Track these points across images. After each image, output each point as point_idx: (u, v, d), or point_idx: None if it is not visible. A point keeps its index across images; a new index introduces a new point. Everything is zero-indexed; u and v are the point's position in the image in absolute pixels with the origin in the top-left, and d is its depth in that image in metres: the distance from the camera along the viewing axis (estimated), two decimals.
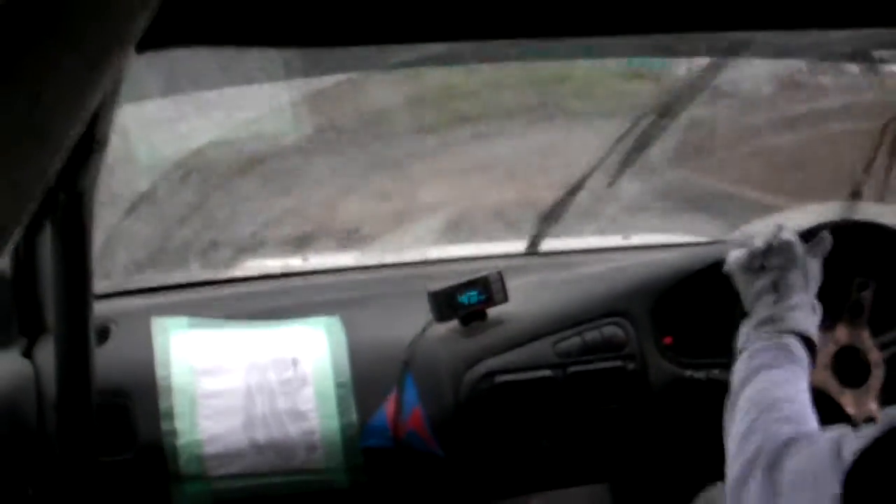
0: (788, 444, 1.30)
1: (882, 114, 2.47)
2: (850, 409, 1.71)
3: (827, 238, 1.72)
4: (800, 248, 1.66)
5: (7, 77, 0.58)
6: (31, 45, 0.57)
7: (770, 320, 1.57)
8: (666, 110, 2.21)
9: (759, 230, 2.03)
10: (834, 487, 1.17)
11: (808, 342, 1.55)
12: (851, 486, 1.14)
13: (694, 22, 1.18)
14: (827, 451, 1.22)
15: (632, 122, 2.26)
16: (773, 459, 1.30)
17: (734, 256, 1.71)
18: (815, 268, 1.68)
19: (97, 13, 0.59)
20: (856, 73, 2.77)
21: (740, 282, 1.69)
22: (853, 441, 1.20)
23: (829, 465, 1.20)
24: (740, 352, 1.57)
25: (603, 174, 2.40)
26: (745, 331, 1.60)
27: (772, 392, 1.44)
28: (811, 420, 1.40)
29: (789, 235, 1.68)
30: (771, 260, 1.65)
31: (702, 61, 2.10)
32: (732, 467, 1.38)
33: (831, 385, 1.73)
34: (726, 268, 1.73)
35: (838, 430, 1.26)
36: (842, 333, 1.76)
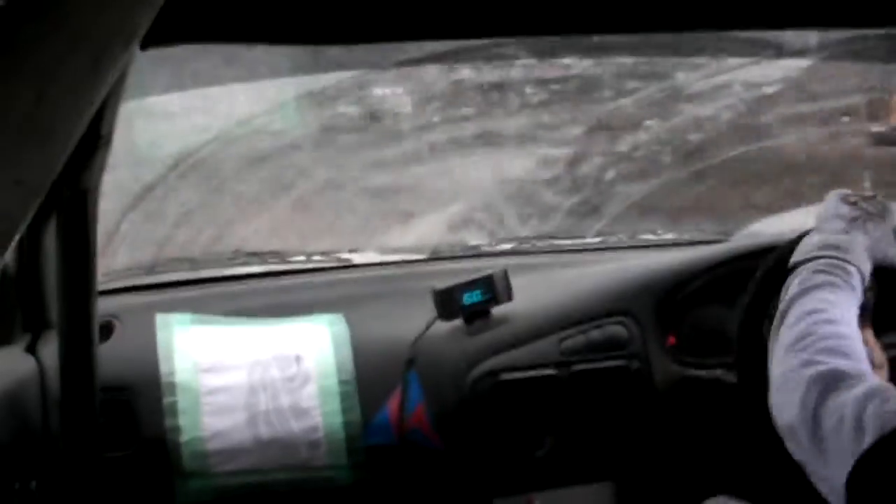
0: (836, 378, 1.29)
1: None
2: None
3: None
4: (894, 221, 1.64)
5: (11, 73, 0.58)
6: (36, 41, 0.57)
7: (836, 247, 1.54)
8: None
9: (761, 230, 2.03)
10: (849, 449, 1.18)
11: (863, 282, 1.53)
12: (857, 478, 1.14)
13: (698, 21, 1.18)
14: (858, 404, 1.22)
15: None
16: (821, 390, 1.28)
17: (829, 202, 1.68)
18: (889, 250, 1.64)
19: (101, 9, 0.59)
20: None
21: (828, 201, 1.65)
22: (878, 406, 1.20)
23: (852, 423, 1.20)
24: (796, 265, 1.55)
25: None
26: (807, 247, 1.57)
27: (827, 311, 1.42)
28: (859, 350, 1.39)
29: (887, 209, 1.65)
30: (866, 204, 1.62)
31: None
32: (776, 373, 1.38)
33: None
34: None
35: (876, 385, 1.26)
36: None
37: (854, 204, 1.64)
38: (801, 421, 1.29)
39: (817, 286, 1.48)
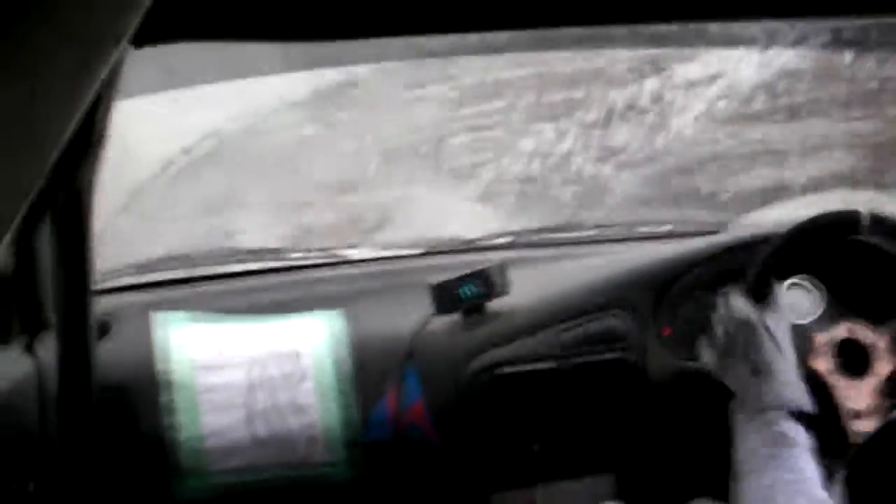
0: None
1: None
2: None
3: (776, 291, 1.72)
4: (757, 319, 1.63)
5: (1, 71, 0.58)
6: (25, 38, 0.57)
7: (759, 408, 1.53)
8: None
9: (757, 221, 2.02)
10: None
11: (801, 416, 1.52)
12: (857, 466, 1.14)
13: (699, 10, 1.18)
14: None
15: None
16: None
17: (705, 357, 1.71)
18: (781, 326, 1.64)
19: (89, 6, 0.59)
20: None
21: (722, 377, 1.65)
22: None
23: None
24: (735, 438, 1.54)
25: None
26: (736, 421, 1.57)
27: (778, 486, 1.42)
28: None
29: (741, 312, 1.65)
30: (737, 348, 1.62)
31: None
32: None
33: (840, 379, 1.72)
34: (708, 367, 1.70)
35: None
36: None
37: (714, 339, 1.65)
38: None
39: (751, 472, 1.47)
